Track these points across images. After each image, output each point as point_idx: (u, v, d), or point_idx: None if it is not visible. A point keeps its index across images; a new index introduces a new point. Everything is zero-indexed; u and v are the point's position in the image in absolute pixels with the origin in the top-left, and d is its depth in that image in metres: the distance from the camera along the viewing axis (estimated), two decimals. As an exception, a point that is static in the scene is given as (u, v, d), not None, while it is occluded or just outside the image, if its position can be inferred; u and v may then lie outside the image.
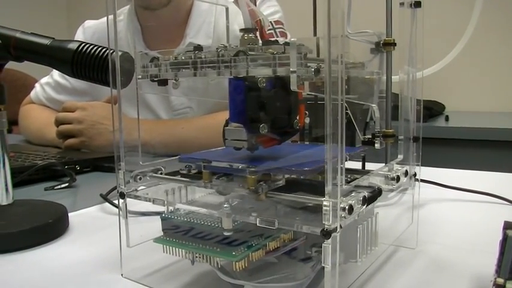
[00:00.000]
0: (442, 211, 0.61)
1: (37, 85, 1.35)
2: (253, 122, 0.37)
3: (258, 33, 0.39)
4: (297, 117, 0.40)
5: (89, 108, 1.07)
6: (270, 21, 1.14)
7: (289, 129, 0.40)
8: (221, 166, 0.39)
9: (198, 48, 0.39)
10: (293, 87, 0.31)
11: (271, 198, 0.36)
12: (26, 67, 1.39)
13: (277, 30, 1.15)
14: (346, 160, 0.39)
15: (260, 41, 0.38)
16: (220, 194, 0.40)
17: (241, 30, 0.39)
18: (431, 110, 1.95)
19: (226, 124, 0.48)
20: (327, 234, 0.30)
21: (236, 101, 0.37)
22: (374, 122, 0.42)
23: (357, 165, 0.43)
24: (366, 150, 0.43)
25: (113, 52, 0.41)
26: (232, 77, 0.36)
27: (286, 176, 0.38)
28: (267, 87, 0.36)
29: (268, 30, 0.40)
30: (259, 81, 0.35)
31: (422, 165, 0.47)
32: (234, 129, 0.38)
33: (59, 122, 1.07)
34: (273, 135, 0.39)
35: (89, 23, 1.31)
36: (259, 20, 0.38)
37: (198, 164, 0.40)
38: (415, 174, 0.46)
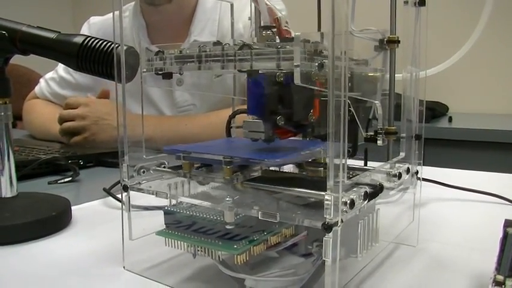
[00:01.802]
0: (443, 210, 0.61)
1: (42, 80, 1.36)
2: (271, 114, 0.39)
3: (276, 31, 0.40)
4: (311, 111, 0.41)
5: (92, 104, 1.08)
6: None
7: (305, 122, 0.41)
8: (199, 157, 0.41)
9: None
10: (296, 81, 0.31)
11: (270, 193, 0.36)
12: (30, 63, 1.39)
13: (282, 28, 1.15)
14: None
15: (278, 38, 0.39)
16: (200, 184, 0.41)
17: (261, 27, 0.40)
18: (435, 110, 1.94)
19: (230, 120, 0.49)
20: (328, 228, 0.30)
21: (255, 94, 0.39)
22: (377, 119, 0.43)
23: (359, 163, 0.44)
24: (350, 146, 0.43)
25: (118, 46, 0.41)
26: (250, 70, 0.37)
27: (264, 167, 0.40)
28: (285, 82, 0.38)
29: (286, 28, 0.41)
30: (277, 75, 0.37)
31: (424, 165, 0.47)
32: (253, 122, 0.40)
33: (62, 120, 1.08)
34: (289, 127, 0.40)
35: (94, 19, 1.31)
36: (277, 17, 0.39)
37: (179, 155, 0.41)
38: (416, 172, 0.46)
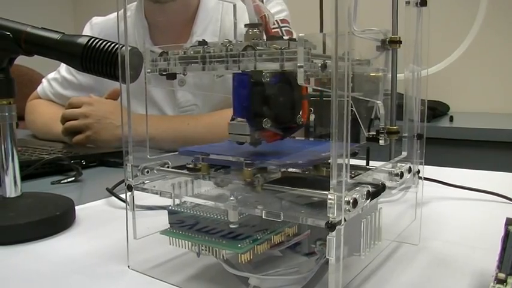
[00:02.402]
0: (445, 209, 0.61)
1: (44, 80, 1.36)
2: (257, 116, 0.38)
3: (262, 29, 0.39)
4: (300, 113, 0.40)
5: (95, 103, 1.08)
6: (276, 20, 1.15)
7: (293, 125, 0.40)
8: (219, 159, 0.40)
9: (203, 42, 0.39)
10: (300, 81, 0.32)
11: (274, 193, 0.36)
12: (32, 63, 1.40)
13: (283, 28, 1.15)
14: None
15: (265, 36, 0.39)
16: (217, 186, 0.41)
17: (246, 25, 0.39)
18: (436, 110, 1.95)
19: (232, 121, 0.49)
20: (331, 226, 0.30)
21: (240, 95, 0.38)
22: (379, 119, 0.43)
23: (361, 162, 0.44)
24: (359, 147, 0.43)
25: (122, 47, 0.42)
26: (236, 71, 0.37)
27: (283, 169, 0.39)
28: (271, 82, 0.37)
29: (274, 28, 0.41)
30: (263, 75, 0.36)
31: (425, 165, 0.47)
32: (237, 124, 0.39)
33: (65, 119, 1.08)
34: (276, 130, 0.39)
35: (96, 19, 1.32)
36: (264, 15, 0.39)
37: (197, 156, 0.41)
38: (418, 172, 0.46)
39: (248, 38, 0.38)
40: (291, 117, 0.40)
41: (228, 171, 0.40)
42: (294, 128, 0.41)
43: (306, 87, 0.40)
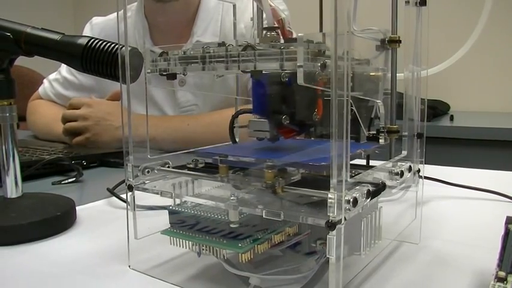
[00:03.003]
0: (445, 208, 0.61)
1: (45, 81, 1.36)
2: (275, 113, 0.39)
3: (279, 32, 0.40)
4: (316, 110, 0.42)
5: (95, 105, 1.08)
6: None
7: (309, 121, 0.42)
8: (238, 160, 0.40)
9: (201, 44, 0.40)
10: (299, 81, 0.32)
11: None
12: (33, 64, 1.40)
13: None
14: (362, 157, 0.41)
15: (282, 39, 0.39)
16: (236, 188, 0.41)
17: (264, 28, 0.40)
18: (436, 109, 1.95)
19: (233, 120, 0.49)
20: (331, 226, 0.30)
21: (260, 94, 0.40)
22: (379, 118, 0.43)
23: (361, 162, 0.44)
24: (378, 147, 0.44)
25: (122, 47, 0.42)
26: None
27: (302, 171, 0.39)
28: (289, 82, 0.38)
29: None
30: (282, 76, 0.38)
31: (426, 164, 0.47)
32: (258, 121, 0.40)
33: (65, 120, 1.08)
34: (293, 126, 0.41)
35: (96, 19, 1.32)
36: (281, 19, 0.39)
37: (215, 158, 0.41)
38: (418, 171, 0.46)
39: (266, 41, 0.39)
40: (308, 114, 0.42)
41: (246, 173, 0.40)
42: (309, 124, 0.43)
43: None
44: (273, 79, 0.39)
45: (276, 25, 0.39)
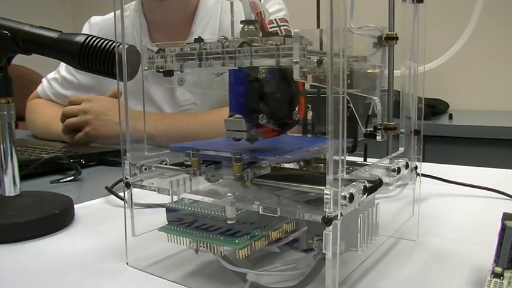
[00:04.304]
0: (443, 205, 0.61)
1: (44, 80, 1.36)
2: (253, 112, 0.38)
3: (258, 25, 0.39)
4: (297, 109, 0.41)
5: (95, 99, 1.08)
6: (275, 19, 1.15)
7: (289, 121, 0.41)
8: (209, 154, 0.40)
9: (199, 39, 0.39)
10: (296, 77, 0.32)
11: (272, 189, 0.37)
12: (31, 63, 1.40)
13: (282, 28, 1.16)
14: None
15: (260, 33, 0.39)
16: (208, 181, 0.41)
17: (241, 21, 0.39)
18: (435, 108, 1.95)
19: (229, 117, 0.49)
20: (328, 221, 0.30)
21: (236, 91, 0.38)
22: (376, 115, 0.43)
23: (358, 159, 0.44)
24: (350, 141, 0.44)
25: (119, 45, 0.42)
26: (233, 68, 0.37)
27: (273, 164, 0.39)
28: (267, 79, 0.37)
29: (273, 27, 0.41)
30: (259, 72, 0.36)
31: (425, 162, 0.47)
32: (234, 120, 0.39)
33: (65, 116, 1.08)
34: (272, 126, 0.40)
35: (95, 19, 1.32)
36: (260, 12, 0.39)
37: (188, 152, 0.41)
38: (416, 168, 0.46)
39: (244, 35, 0.38)
40: (288, 113, 0.40)
41: (219, 167, 0.40)
42: (290, 123, 0.41)
43: (303, 84, 0.40)
44: (250, 75, 0.37)
45: (256, 19, 0.38)
